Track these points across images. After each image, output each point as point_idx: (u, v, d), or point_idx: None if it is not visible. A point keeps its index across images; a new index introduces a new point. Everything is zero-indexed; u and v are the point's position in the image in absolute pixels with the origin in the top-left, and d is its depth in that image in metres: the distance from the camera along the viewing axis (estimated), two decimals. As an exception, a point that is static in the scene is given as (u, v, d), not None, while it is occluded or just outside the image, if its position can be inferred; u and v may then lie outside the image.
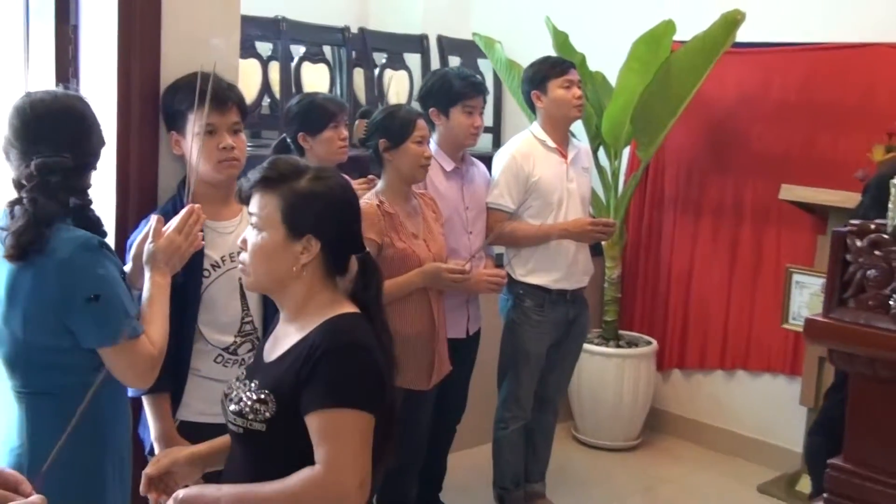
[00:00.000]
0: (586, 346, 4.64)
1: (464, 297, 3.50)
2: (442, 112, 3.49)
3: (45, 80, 2.71)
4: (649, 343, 4.87)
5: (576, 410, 4.90)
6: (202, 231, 2.35)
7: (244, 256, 1.91)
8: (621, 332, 4.91)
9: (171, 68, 2.64)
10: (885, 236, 1.64)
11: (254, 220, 1.88)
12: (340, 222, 1.91)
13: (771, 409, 4.68)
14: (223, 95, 2.52)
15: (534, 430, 3.93)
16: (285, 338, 1.91)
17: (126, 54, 2.60)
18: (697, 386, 5.00)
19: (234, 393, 1.91)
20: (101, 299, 2.04)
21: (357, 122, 3.23)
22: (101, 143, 2.21)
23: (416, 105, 3.71)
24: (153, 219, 2.28)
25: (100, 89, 2.66)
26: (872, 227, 1.69)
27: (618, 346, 4.80)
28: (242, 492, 1.80)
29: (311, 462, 1.77)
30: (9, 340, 2.11)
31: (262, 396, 1.82)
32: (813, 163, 4.46)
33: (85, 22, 2.71)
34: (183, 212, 2.28)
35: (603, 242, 4.66)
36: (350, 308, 1.89)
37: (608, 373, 4.71)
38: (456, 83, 3.49)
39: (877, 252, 1.65)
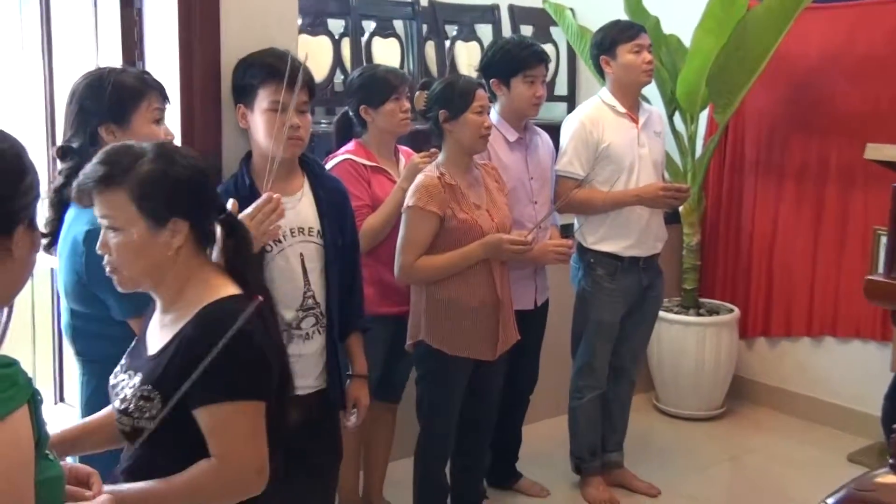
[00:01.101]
0: (666, 314, 4.58)
1: (531, 268, 3.47)
2: (503, 83, 3.45)
3: (113, 63, 2.77)
4: (731, 311, 4.77)
5: (657, 380, 4.83)
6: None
7: (109, 259, 1.77)
8: (702, 299, 4.81)
9: (232, 46, 2.67)
10: (948, 190, 1.56)
11: (107, 221, 1.75)
12: (196, 193, 1.78)
13: (861, 375, 4.53)
14: (294, 75, 2.49)
15: (610, 399, 3.88)
16: (164, 328, 1.82)
17: (187, 34, 2.65)
18: (783, 353, 4.87)
19: (120, 386, 1.82)
20: None
21: (417, 93, 3.21)
22: (75, 122, 2.17)
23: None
24: (229, 202, 2.28)
25: (165, 69, 2.70)
26: (936, 180, 1.61)
27: (698, 314, 4.71)
28: (142, 494, 1.73)
29: (205, 453, 1.73)
30: (64, 307, 2.18)
31: (146, 393, 1.74)
32: (901, 120, 4.28)
33: (148, 4, 2.76)
34: (261, 199, 2.26)
35: (680, 209, 4.59)
36: (226, 289, 1.79)
37: (688, 341, 4.62)
38: (516, 53, 3.43)
39: (940, 207, 1.57)
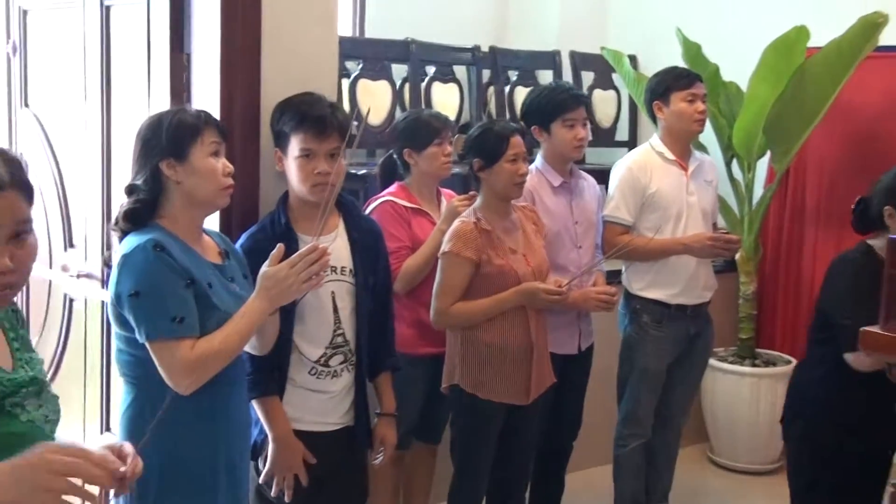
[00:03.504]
0: (720, 364, 4.51)
1: (574, 313, 3.45)
2: (543, 129, 3.45)
3: (162, 105, 2.89)
4: (789, 362, 4.65)
5: (711, 431, 4.74)
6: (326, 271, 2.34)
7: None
8: (759, 350, 4.72)
9: (272, 89, 2.77)
10: (946, 242, 1.53)
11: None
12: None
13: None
14: (323, 123, 2.57)
15: (656, 449, 3.82)
16: None
17: (228, 79, 2.75)
18: (843, 408, 4.73)
19: None
20: (141, 296, 2.13)
21: (456, 137, 3.25)
22: (139, 160, 2.30)
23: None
24: (276, 248, 2.29)
25: (210, 112, 2.81)
26: (938, 232, 1.58)
27: (754, 364, 4.61)
28: None
29: None
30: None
31: None
32: (968, 170, 4.16)
33: (197, 50, 2.88)
34: (305, 248, 2.27)
35: (736, 257, 4.52)
36: None
37: (742, 392, 4.53)
38: (552, 97, 3.44)
39: (938, 259, 1.54)
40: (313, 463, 2.64)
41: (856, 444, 2.81)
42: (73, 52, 3.32)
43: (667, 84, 3.67)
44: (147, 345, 2.15)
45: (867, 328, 1.57)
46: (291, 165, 2.63)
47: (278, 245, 2.29)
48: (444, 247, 3.04)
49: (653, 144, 3.71)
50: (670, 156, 3.66)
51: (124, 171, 2.95)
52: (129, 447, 1.48)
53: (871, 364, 2.77)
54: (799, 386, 3.09)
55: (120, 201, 2.36)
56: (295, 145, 2.60)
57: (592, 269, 3.49)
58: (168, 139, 2.24)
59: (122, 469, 1.39)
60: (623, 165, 3.70)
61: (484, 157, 3.07)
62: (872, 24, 4.03)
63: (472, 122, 4.95)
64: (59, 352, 3.53)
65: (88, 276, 3.31)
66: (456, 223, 3.06)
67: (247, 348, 2.37)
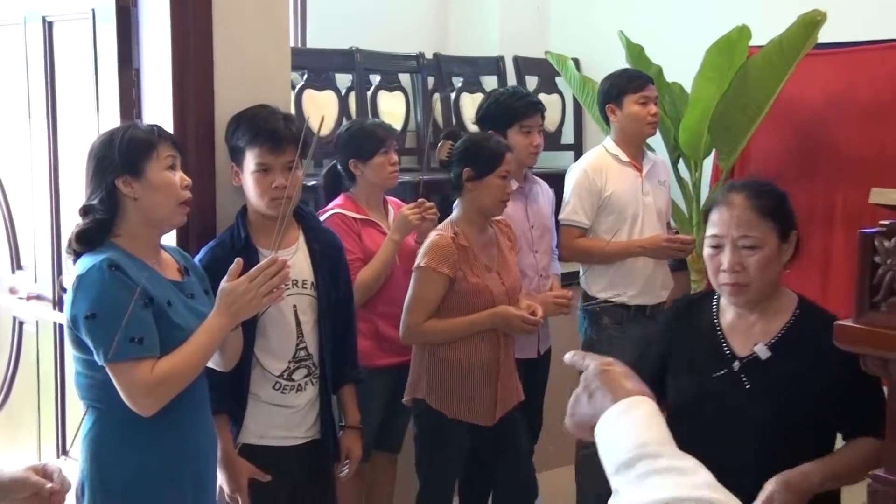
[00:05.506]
0: (674, 362, 4.54)
1: (533, 318, 3.46)
2: (500, 134, 3.41)
3: (112, 121, 2.83)
4: (741, 357, 4.72)
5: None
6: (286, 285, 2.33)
7: None
8: (712, 346, 4.77)
9: (225, 103, 2.73)
10: (915, 235, 1.56)
11: None
12: None
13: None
14: (278, 136, 2.56)
15: (617, 449, 3.84)
16: None
17: (181, 92, 2.70)
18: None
19: None
20: (97, 318, 2.09)
21: (441, 142, 3.17)
22: (94, 179, 2.24)
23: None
24: (236, 260, 2.26)
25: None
26: (906, 226, 1.61)
27: (707, 361, 4.66)
28: None
29: None
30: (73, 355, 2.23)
31: None
32: (907, 164, 4.27)
33: (146, 65, 2.82)
34: (264, 261, 2.24)
35: (687, 257, 4.57)
36: None
37: (697, 389, 4.58)
38: (510, 104, 3.44)
39: (907, 252, 1.57)
40: (266, 480, 2.60)
41: None
42: (15, 70, 3.24)
43: (620, 87, 3.70)
44: (106, 367, 2.10)
45: (840, 321, 1.60)
46: (248, 180, 2.61)
47: (237, 259, 2.27)
48: (420, 260, 2.96)
49: (606, 147, 3.74)
50: (624, 158, 3.69)
51: (73, 190, 2.91)
52: (53, 465, 1.69)
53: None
54: None
55: (70, 220, 2.31)
56: (251, 160, 2.58)
57: (544, 272, 3.49)
58: (122, 155, 2.20)
59: (49, 486, 1.66)
60: (578, 168, 3.71)
61: (476, 167, 3.00)
62: (811, 21, 4.10)
63: (420, 130, 4.94)
64: (9, 375, 3.44)
65: (39, 297, 3.23)
66: (432, 236, 3.00)
67: (210, 364, 2.33)
